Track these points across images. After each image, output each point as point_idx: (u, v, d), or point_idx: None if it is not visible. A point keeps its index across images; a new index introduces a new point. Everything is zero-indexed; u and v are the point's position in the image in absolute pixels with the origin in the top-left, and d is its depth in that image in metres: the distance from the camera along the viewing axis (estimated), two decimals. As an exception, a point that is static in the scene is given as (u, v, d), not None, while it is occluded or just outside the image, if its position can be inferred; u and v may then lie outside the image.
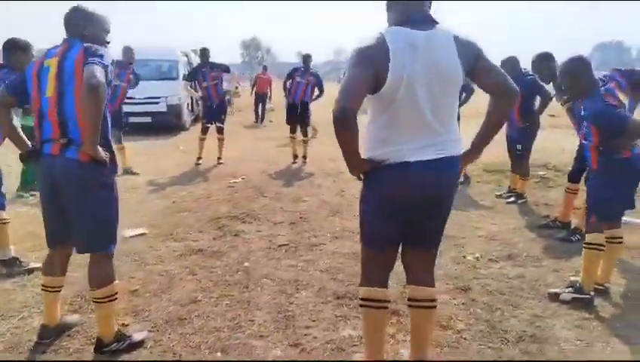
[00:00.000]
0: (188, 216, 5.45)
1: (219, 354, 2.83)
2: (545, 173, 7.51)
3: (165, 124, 12.53)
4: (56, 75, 2.57)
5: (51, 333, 2.92)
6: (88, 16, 2.72)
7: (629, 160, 3.34)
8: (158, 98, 12.43)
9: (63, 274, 2.95)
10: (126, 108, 11.95)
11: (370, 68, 2.13)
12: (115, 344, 2.80)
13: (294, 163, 8.71)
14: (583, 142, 3.53)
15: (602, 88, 3.34)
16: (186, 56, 14.82)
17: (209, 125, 8.59)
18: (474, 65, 2.26)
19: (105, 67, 2.52)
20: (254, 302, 3.44)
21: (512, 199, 6.10)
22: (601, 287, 3.59)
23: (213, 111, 8.55)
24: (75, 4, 2.76)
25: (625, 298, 3.55)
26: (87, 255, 2.80)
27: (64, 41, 2.67)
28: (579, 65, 3.36)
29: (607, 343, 2.97)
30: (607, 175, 3.40)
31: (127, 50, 7.64)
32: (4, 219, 3.93)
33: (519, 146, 5.98)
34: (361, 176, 2.40)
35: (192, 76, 8.67)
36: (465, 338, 3.00)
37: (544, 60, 4.82)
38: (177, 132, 12.54)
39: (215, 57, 8.75)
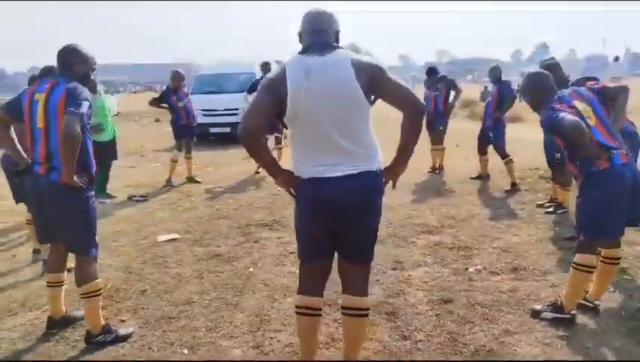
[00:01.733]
0: (223, 222, 5.89)
1: (185, 350, 3.15)
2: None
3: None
4: (43, 110, 3.06)
5: (57, 325, 3.43)
6: (77, 56, 3.19)
7: (607, 171, 3.13)
8: (237, 109, 13.20)
9: (62, 271, 3.42)
10: (207, 120, 13.07)
11: (271, 93, 2.38)
12: (101, 336, 3.24)
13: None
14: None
15: (556, 97, 3.24)
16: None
17: (266, 137, 9.01)
18: (375, 83, 2.40)
19: (81, 115, 2.99)
20: (241, 305, 3.73)
21: (551, 209, 5.84)
22: (590, 305, 3.44)
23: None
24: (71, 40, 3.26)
25: (615, 317, 3.36)
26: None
27: (52, 77, 3.17)
28: (535, 78, 3.38)
29: (566, 363, 2.88)
30: (591, 190, 3.22)
31: (175, 74, 8.18)
32: None
33: (558, 155, 5.71)
34: (292, 191, 2.59)
35: (253, 88, 9.13)
36: (419, 349, 3.06)
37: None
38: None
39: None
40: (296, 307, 2.69)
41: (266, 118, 2.41)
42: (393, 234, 5.21)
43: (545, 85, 3.34)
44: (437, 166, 8.37)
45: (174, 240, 5.30)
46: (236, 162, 10.07)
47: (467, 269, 4.27)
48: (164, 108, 8.23)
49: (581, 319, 3.34)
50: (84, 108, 3.04)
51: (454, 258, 4.54)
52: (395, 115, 2.47)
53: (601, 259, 3.39)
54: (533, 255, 4.53)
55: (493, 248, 4.75)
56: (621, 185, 3.13)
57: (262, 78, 8.96)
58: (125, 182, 8.47)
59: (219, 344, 3.22)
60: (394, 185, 2.65)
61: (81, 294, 3.24)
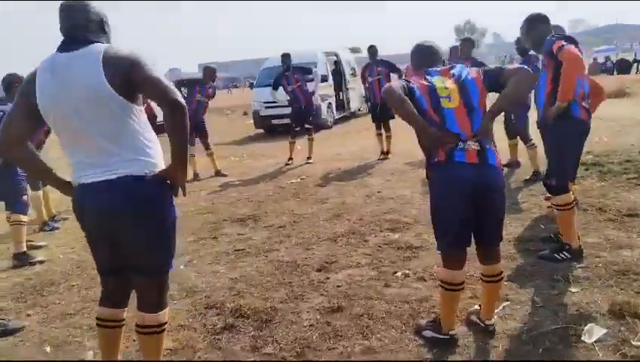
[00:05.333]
0: (203, 218, 5.91)
1: (48, 348, 3.20)
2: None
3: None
4: None
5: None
6: None
7: (442, 165, 2.61)
8: (296, 100, 13.20)
9: None
10: (269, 112, 13.23)
11: (24, 98, 2.27)
12: (-12, 330, 3.41)
13: (379, 159, 8.49)
14: None
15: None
16: (335, 55, 15.36)
17: (297, 128, 8.97)
18: (129, 79, 2.18)
19: None
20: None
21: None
22: (481, 325, 2.89)
23: (301, 113, 8.87)
24: None
25: (512, 342, 2.78)
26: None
27: None
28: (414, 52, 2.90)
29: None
30: (431, 183, 2.76)
31: (206, 70, 8.51)
32: (22, 221, 4.91)
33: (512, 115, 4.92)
34: None
35: (277, 83, 9.05)
36: (256, 365, 2.81)
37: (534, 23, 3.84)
38: (316, 132, 13.10)
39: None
40: (97, 319, 2.57)
41: (23, 125, 2.29)
42: (354, 230, 4.84)
43: (417, 58, 2.87)
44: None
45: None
46: (278, 153, 10.02)
47: (395, 273, 3.82)
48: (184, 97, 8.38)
49: (467, 340, 2.83)
50: None
51: (393, 260, 4.08)
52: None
53: (481, 276, 2.87)
54: (484, 258, 3.92)
55: (447, 249, 4.19)
56: (454, 186, 2.59)
57: (285, 71, 8.91)
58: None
59: (84, 344, 3.22)
60: (183, 192, 2.40)
61: None
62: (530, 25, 3.84)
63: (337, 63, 15.33)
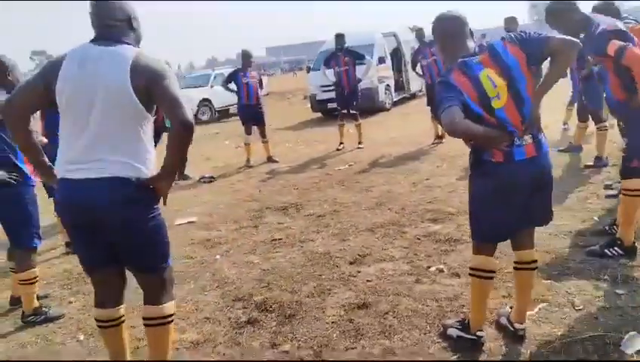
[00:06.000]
0: (247, 205, 5.96)
1: (82, 336, 3.32)
2: None
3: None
4: None
5: (17, 302, 3.87)
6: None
7: (499, 166, 2.40)
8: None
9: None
10: (325, 96, 13.12)
11: (42, 79, 2.30)
12: (32, 316, 3.58)
13: (434, 143, 8.22)
14: None
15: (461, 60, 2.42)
16: (394, 35, 14.95)
17: (344, 111, 8.84)
18: (150, 88, 2.22)
19: None
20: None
21: (613, 192, 4.63)
22: (510, 328, 2.69)
23: (345, 97, 8.75)
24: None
25: (542, 347, 2.57)
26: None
27: None
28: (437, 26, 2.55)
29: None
30: (478, 180, 2.54)
31: (243, 55, 8.47)
32: None
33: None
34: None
35: (327, 62, 8.95)
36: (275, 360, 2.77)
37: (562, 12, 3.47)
38: (374, 114, 12.94)
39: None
40: (95, 320, 2.60)
41: (33, 100, 2.33)
42: (394, 221, 4.69)
43: (445, 36, 2.54)
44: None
45: (190, 223, 5.53)
46: (331, 139, 9.92)
47: (429, 268, 3.66)
48: (233, 91, 8.43)
49: (493, 344, 2.65)
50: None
51: (430, 253, 3.91)
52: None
53: (514, 264, 2.69)
54: (527, 253, 3.67)
55: (489, 242, 3.96)
56: (515, 182, 2.42)
57: (338, 50, 8.74)
58: (217, 162, 9.06)
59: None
60: (164, 201, 2.40)
61: (19, 280, 3.60)
62: (557, 14, 3.36)
63: (397, 44, 14.92)
